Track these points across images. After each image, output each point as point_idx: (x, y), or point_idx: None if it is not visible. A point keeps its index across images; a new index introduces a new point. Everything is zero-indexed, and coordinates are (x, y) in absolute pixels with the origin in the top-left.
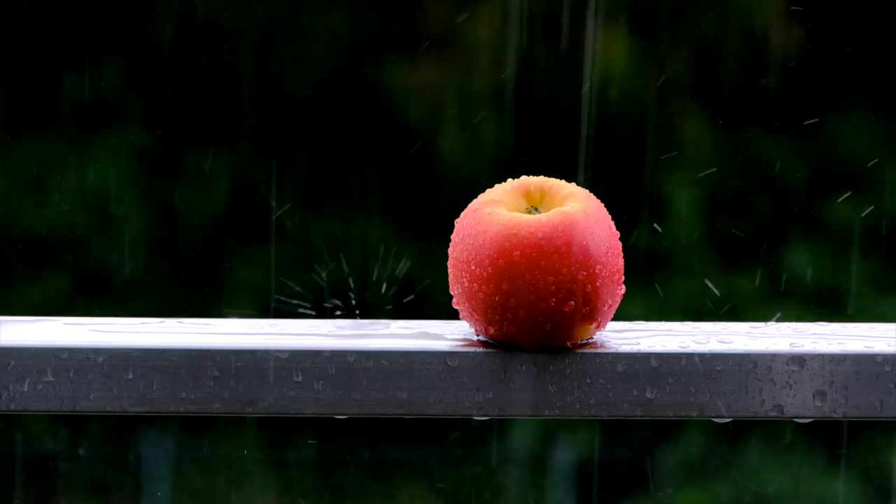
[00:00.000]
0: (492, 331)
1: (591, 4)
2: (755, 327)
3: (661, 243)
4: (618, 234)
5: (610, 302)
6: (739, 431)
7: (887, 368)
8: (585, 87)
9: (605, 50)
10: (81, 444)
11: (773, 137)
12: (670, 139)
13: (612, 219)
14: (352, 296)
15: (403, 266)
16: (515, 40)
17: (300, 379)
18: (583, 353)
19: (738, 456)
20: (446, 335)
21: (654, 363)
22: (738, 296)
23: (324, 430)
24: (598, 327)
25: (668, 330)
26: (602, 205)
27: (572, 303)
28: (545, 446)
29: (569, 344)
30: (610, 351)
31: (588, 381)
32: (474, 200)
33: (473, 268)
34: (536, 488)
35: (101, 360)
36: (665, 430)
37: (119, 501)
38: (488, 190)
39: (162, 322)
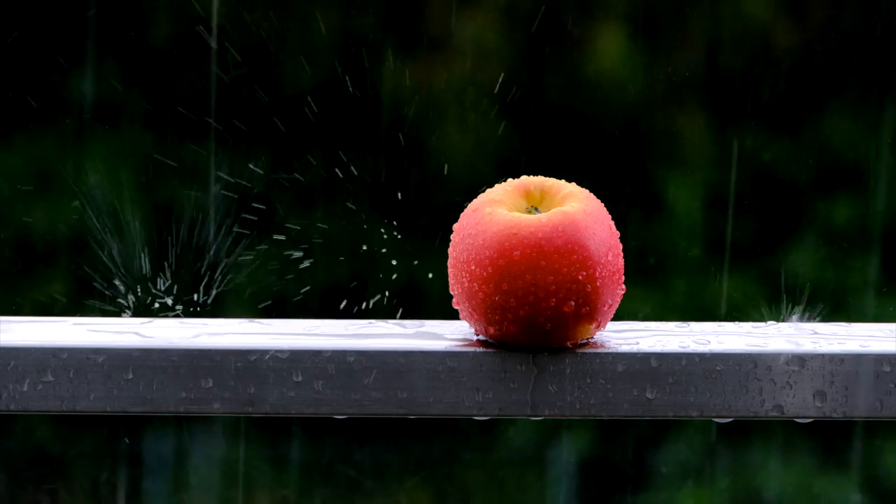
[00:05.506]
0: (492, 331)
1: (590, 3)
2: (755, 327)
3: (661, 243)
4: (618, 233)
5: (610, 302)
6: (739, 431)
7: (887, 368)
8: (585, 87)
9: (604, 49)
10: (82, 443)
11: (773, 136)
12: (670, 138)
13: (612, 219)
14: (351, 296)
15: (403, 266)
16: (515, 40)
17: (300, 379)
18: (583, 353)
19: (738, 456)
20: (446, 335)
21: (654, 363)
22: (739, 296)
23: (323, 430)
24: (598, 327)
25: (668, 330)
26: (602, 205)
27: (572, 303)
28: (545, 446)
29: (569, 344)
30: (610, 351)
31: (588, 381)
32: (474, 200)
33: (473, 268)
34: (536, 488)
35: (101, 360)
36: (665, 430)
37: (119, 501)
38: (488, 190)
39: (162, 322)
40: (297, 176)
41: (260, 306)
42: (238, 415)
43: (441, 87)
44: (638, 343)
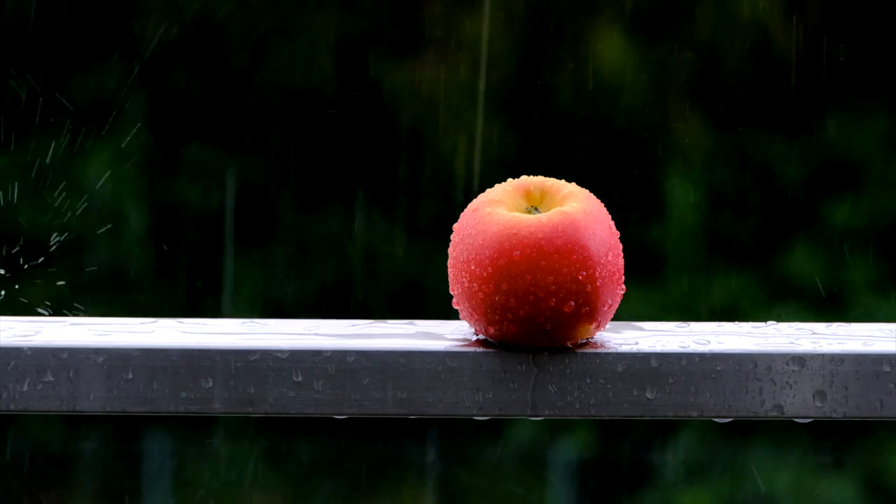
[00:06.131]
0: (492, 331)
1: (590, 4)
2: (755, 327)
3: (661, 243)
4: (618, 233)
5: (610, 302)
6: (739, 431)
7: (887, 368)
8: (584, 87)
9: (604, 49)
10: (82, 443)
11: (772, 137)
12: (670, 139)
13: (613, 219)
14: (351, 295)
15: (403, 265)
16: (515, 40)
17: (300, 379)
18: (583, 353)
19: (738, 456)
20: (446, 335)
21: (654, 363)
22: (738, 296)
23: (323, 430)
24: (598, 327)
25: (668, 330)
26: (602, 205)
27: (572, 303)
28: (545, 446)
29: (569, 344)
30: (610, 351)
31: (588, 381)
32: (474, 200)
33: (473, 268)
34: (536, 487)
35: (101, 360)
36: (665, 430)
37: (119, 501)
38: (488, 190)
39: (162, 322)
40: (297, 175)
41: (260, 306)
42: (238, 415)
43: (441, 88)
44: (638, 343)
